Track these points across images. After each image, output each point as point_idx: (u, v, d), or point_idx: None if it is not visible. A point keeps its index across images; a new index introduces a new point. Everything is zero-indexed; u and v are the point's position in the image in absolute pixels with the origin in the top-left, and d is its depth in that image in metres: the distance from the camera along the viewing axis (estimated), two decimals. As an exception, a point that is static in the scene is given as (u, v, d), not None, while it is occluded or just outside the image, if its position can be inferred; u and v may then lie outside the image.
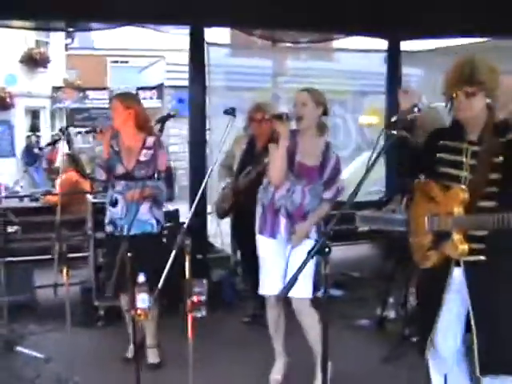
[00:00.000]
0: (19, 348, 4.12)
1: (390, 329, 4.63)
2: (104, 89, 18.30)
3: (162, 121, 3.02)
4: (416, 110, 2.57)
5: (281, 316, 3.72)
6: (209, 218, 5.88)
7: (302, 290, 3.33)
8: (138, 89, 15.69)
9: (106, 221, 3.97)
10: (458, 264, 2.73)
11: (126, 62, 22.21)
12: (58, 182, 7.06)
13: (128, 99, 3.90)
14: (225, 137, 3.13)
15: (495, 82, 2.65)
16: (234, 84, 7.09)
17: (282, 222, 3.54)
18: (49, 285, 5.18)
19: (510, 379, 2.67)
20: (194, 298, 2.54)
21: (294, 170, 3.49)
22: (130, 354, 4.07)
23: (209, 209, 5.81)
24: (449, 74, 2.72)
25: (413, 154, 2.88)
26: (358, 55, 7.92)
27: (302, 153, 3.51)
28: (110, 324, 4.71)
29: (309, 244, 3.40)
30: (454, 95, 2.67)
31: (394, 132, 2.50)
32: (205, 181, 3.14)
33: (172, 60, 15.57)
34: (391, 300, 4.75)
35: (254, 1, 5.71)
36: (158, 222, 3.90)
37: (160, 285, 2.55)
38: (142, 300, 2.85)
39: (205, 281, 2.59)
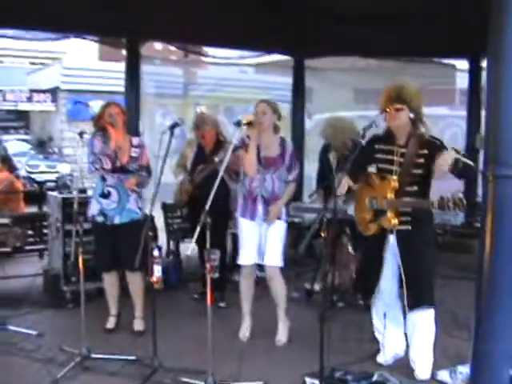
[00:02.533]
0: (11, 326, 4.52)
1: (317, 298, 5.62)
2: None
3: (171, 128, 3.74)
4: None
5: (252, 284, 4.56)
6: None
7: (275, 260, 4.24)
8: (31, 91, 15.54)
9: (95, 212, 4.53)
10: (391, 232, 3.78)
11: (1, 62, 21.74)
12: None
13: (123, 107, 4.70)
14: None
15: (417, 101, 3.72)
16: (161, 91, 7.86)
17: (260, 207, 4.38)
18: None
19: (426, 311, 3.80)
20: (211, 263, 3.31)
21: (262, 162, 4.37)
22: (110, 324, 4.70)
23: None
24: (384, 95, 3.76)
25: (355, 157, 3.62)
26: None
27: (264, 148, 4.40)
28: (78, 306, 5.22)
29: (280, 224, 4.35)
30: (387, 110, 3.71)
31: (362, 141, 3.46)
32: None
33: (68, 64, 15.69)
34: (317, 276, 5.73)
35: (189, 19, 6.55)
36: (140, 209, 4.58)
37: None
38: (158, 270, 3.57)
39: (217, 251, 3.37)
